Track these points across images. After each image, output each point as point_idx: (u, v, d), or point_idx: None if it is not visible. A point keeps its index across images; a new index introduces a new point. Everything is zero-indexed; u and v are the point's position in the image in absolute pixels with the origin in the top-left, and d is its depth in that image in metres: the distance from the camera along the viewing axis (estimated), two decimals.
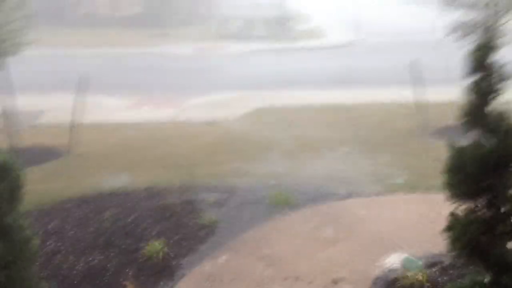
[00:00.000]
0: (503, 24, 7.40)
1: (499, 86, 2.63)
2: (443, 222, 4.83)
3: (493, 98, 2.65)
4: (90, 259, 4.37)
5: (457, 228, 2.65)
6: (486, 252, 2.59)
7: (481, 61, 2.61)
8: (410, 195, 5.67)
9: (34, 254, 2.80)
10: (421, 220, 5.00)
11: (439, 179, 6.13)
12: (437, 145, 7.55)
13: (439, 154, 7.05)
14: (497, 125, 2.60)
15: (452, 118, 9.41)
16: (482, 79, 2.64)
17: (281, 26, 24.29)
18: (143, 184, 6.22)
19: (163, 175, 6.58)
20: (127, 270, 4.18)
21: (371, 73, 14.84)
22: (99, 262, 4.33)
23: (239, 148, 7.79)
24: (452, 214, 2.72)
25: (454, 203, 2.73)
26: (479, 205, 2.67)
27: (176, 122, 9.80)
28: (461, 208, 2.75)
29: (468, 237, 2.59)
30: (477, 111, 2.62)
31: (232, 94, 12.44)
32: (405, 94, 10.53)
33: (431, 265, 4.23)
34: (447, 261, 4.23)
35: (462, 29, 7.57)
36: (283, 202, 5.39)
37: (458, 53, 7.79)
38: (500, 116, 2.64)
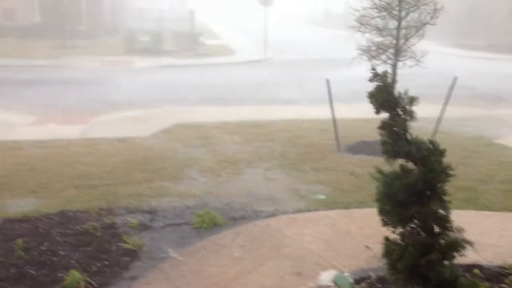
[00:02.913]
0: (412, 45, 7.92)
1: (409, 119, 2.79)
2: (365, 237, 5.01)
3: (407, 131, 2.81)
4: None
5: (395, 253, 2.72)
6: (425, 272, 2.68)
7: (384, 101, 2.75)
8: (332, 211, 5.78)
9: None
10: (345, 236, 5.11)
11: (357, 193, 6.39)
12: (352, 160, 7.86)
13: (355, 169, 7.40)
14: (419, 152, 2.72)
15: (364, 134, 9.90)
16: (391, 117, 2.78)
17: (190, 42, 24.20)
18: (55, 208, 5.76)
19: (77, 197, 6.15)
20: None
21: (282, 89, 15.21)
22: None
23: (157, 166, 7.53)
24: (387, 239, 2.80)
25: (388, 228, 2.84)
26: (413, 229, 2.77)
27: (86, 139, 9.30)
28: (396, 232, 2.85)
29: (407, 261, 2.67)
30: (396, 141, 2.74)
31: (144, 110, 12.13)
32: (317, 110, 10.90)
33: (359, 280, 4.31)
34: (373, 276, 4.34)
35: (373, 50, 7.99)
36: (209, 223, 5.25)
37: (367, 73, 8.27)
38: (420, 143, 2.77)
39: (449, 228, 2.72)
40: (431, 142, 2.77)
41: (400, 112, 2.84)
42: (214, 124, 10.43)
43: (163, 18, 31.26)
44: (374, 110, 2.92)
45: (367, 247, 4.80)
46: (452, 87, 8.17)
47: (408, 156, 2.80)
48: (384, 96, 2.79)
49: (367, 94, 2.88)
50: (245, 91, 15.04)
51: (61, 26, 24.31)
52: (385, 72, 2.96)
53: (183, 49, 24.04)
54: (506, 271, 4.12)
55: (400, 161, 2.94)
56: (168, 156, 8.07)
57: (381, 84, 2.84)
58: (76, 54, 22.09)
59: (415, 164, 2.82)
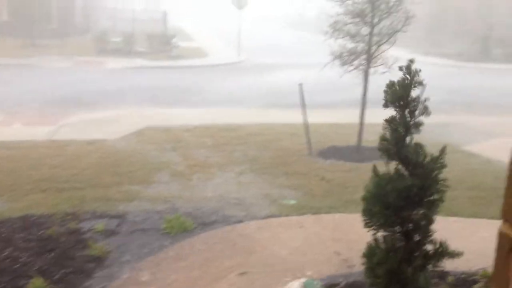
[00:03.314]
0: (383, 52, 7.99)
1: (416, 121, 2.75)
2: (335, 243, 5.01)
3: (411, 132, 2.76)
4: None
5: (377, 256, 2.69)
6: (404, 279, 2.66)
7: (398, 97, 2.71)
8: (303, 216, 5.77)
9: None
10: (315, 241, 5.10)
11: (328, 198, 6.39)
12: (323, 165, 7.87)
13: (326, 173, 7.41)
14: (416, 157, 2.70)
15: (334, 139, 9.92)
16: (399, 114, 2.74)
17: (163, 43, 23.98)
18: (19, 212, 5.59)
19: (42, 201, 5.98)
20: None
21: (255, 92, 15.18)
22: None
23: (126, 169, 7.39)
24: (375, 240, 2.76)
25: (371, 230, 2.79)
26: (397, 234, 2.75)
27: (54, 141, 9.08)
28: (379, 235, 2.81)
29: (389, 265, 2.65)
30: (395, 143, 2.71)
31: (114, 112, 11.93)
32: (289, 114, 10.91)
33: (329, 286, 4.29)
34: (343, 281, 4.33)
35: (345, 56, 8.03)
36: (179, 228, 5.16)
37: (340, 78, 8.31)
38: (418, 149, 2.75)
39: (431, 236, 2.72)
40: (443, 150, 2.73)
41: (407, 114, 2.78)
42: (186, 127, 10.32)
43: (136, 19, 30.88)
44: (383, 103, 2.81)
45: (337, 253, 4.80)
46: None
47: (404, 160, 2.76)
48: (401, 92, 2.71)
49: (386, 84, 2.77)
50: (218, 94, 14.96)
51: (30, 25, 23.77)
52: (418, 70, 2.84)
53: (156, 50, 23.80)
54: (473, 277, 4.17)
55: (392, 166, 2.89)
56: (138, 159, 7.94)
57: (405, 78, 2.75)
58: (45, 54, 21.62)
59: (407, 169, 2.78)
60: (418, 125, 2.73)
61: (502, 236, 1.47)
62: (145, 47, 24.38)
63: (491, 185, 6.80)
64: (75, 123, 10.68)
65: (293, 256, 4.75)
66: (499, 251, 1.48)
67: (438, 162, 2.71)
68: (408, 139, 2.74)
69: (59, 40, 25.28)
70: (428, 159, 2.72)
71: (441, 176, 2.76)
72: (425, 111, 2.75)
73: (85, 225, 5.23)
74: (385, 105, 2.77)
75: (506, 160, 6.67)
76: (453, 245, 4.76)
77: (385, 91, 2.78)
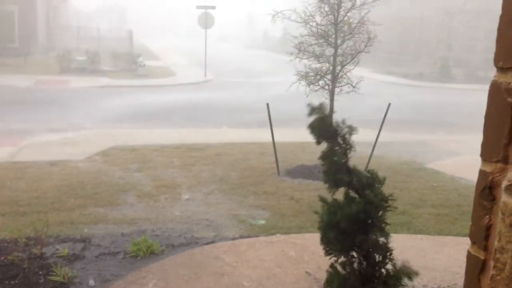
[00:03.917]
0: (347, 72, 8.15)
1: (349, 147, 2.82)
2: (305, 263, 5.00)
3: (347, 161, 2.83)
4: None
5: (336, 281, 2.71)
6: None
7: (324, 132, 2.77)
8: (272, 237, 5.75)
9: None
10: (285, 262, 5.08)
11: (297, 218, 6.41)
12: (291, 184, 7.90)
13: (294, 193, 7.43)
14: (359, 182, 2.75)
15: (302, 158, 9.99)
16: (331, 147, 2.80)
17: (129, 62, 23.82)
18: None
19: (3, 226, 5.76)
20: None
21: (222, 112, 15.20)
22: None
23: (91, 191, 7.22)
24: (332, 267, 2.79)
25: (331, 257, 2.82)
26: (354, 258, 2.78)
27: (15, 163, 8.82)
28: (339, 261, 2.84)
29: None
30: (336, 172, 2.76)
31: (79, 132, 11.72)
32: (257, 134, 10.96)
33: None
34: None
35: (310, 76, 8.15)
36: (146, 251, 5.05)
37: (305, 98, 8.41)
38: (360, 173, 2.80)
39: (390, 257, 2.75)
40: (370, 172, 2.81)
41: (340, 141, 2.86)
42: (153, 147, 10.21)
43: (101, 37, 30.63)
44: (315, 141, 2.91)
45: (307, 273, 4.80)
46: (386, 113, 8.45)
47: (349, 186, 2.82)
48: (324, 127, 2.80)
49: (307, 126, 2.88)
50: (185, 113, 14.90)
51: None
52: (322, 104, 2.96)
53: (122, 69, 23.60)
54: None
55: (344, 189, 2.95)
56: (103, 181, 7.78)
57: (320, 115, 2.85)
58: (6, 72, 21.11)
59: (357, 193, 2.84)
60: (351, 146, 2.82)
61: (471, 258, 1.50)
62: (110, 66, 24.14)
63: (455, 203, 6.96)
64: (37, 144, 10.42)
65: (263, 277, 4.71)
66: (469, 273, 1.51)
67: (374, 182, 2.78)
68: (349, 165, 2.81)
69: (21, 59, 24.75)
70: (369, 180, 2.78)
71: (383, 194, 2.83)
72: (352, 130, 2.83)
73: (49, 250, 5.06)
74: (318, 143, 2.85)
75: (468, 177, 6.87)
76: (420, 262, 4.83)
77: (311, 133, 2.88)
